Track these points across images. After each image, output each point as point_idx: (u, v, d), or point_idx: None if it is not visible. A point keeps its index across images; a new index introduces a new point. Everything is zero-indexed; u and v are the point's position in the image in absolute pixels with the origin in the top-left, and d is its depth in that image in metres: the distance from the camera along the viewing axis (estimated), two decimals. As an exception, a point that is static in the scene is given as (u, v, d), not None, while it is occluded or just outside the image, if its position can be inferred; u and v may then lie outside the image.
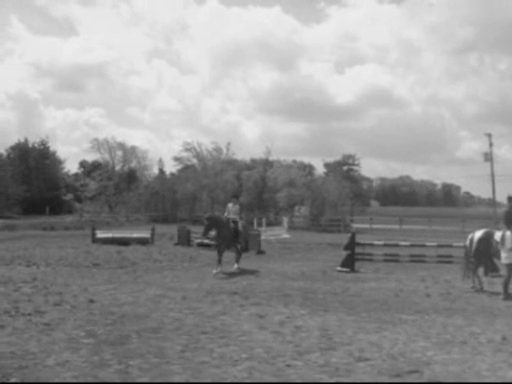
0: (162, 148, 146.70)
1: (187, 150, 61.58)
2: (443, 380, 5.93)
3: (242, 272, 15.11)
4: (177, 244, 24.11)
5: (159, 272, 14.65)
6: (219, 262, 14.63)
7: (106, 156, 74.99)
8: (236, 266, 15.45)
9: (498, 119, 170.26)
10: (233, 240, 15.49)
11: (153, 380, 5.65)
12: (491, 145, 50.75)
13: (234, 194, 17.99)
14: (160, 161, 72.48)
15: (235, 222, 15.69)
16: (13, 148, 70.49)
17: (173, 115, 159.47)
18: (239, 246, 15.95)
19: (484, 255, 13.00)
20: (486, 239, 12.80)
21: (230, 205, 16.23)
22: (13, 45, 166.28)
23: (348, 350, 7.04)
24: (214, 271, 14.26)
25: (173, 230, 27.41)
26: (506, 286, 11.84)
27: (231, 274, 14.45)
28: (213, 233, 15.30)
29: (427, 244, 18.40)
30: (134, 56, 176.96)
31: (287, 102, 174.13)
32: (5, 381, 4.91)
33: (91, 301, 9.99)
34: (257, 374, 5.96)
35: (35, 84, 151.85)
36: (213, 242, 23.55)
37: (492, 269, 13.75)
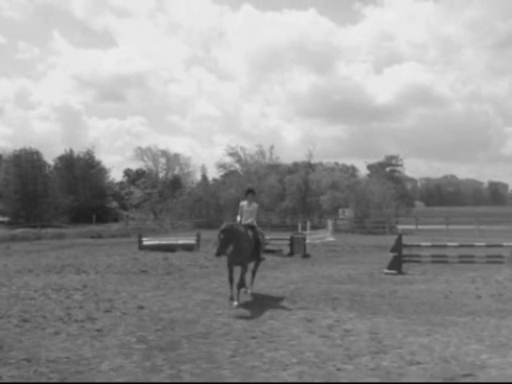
0: (203, 154, 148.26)
1: (230, 154, 62.02)
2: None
3: (288, 276, 15.08)
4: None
5: (206, 277, 14.76)
6: (233, 285, 10.90)
7: (150, 164, 76.31)
8: (249, 290, 11.89)
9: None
10: (253, 254, 11.47)
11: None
12: (540, 141, 49.34)
13: (248, 188, 12.77)
14: (203, 167, 73.28)
15: (253, 228, 11.63)
16: (60, 159, 72.36)
17: (213, 122, 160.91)
18: (259, 262, 12.16)
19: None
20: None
21: (244, 203, 11.95)
22: (56, 59, 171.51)
23: (399, 354, 6.95)
24: (235, 303, 10.33)
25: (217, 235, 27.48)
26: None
27: (276, 278, 14.43)
28: (230, 248, 10.68)
29: (476, 244, 18.02)
30: (173, 64, 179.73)
31: (326, 104, 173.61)
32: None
33: (141, 307, 10.15)
34: (307, 378, 5.96)
35: (78, 95, 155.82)
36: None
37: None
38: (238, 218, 11.73)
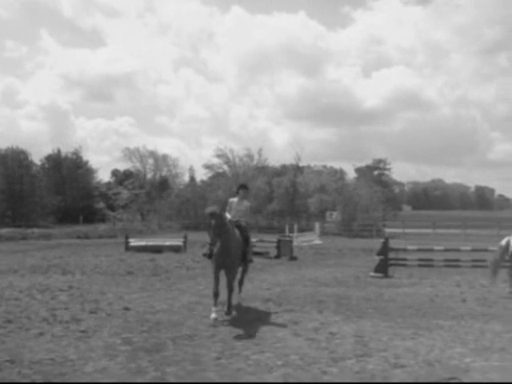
0: (192, 156, 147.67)
1: (219, 156, 61.95)
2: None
3: (274, 278, 15.09)
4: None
5: (193, 279, 14.74)
6: (216, 295, 9.32)
7: (138, 165, 76.03)
8: (238, 294, 10.72)
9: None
10: (242, 257, 10.07)
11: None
12: (526, 146, 49.80)
13: (241, 183, 11.80)
14: (191, 168, 73.21)
15: (240, 227, 10.10)
16: (47, 158, 71.91)
17: (201, 123, 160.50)
18: (248, 265, 10.91)
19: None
20: (523, 243, 12.57)
21: (234, 200, 10.61)
22: (44, 57, 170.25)
23: (384, 357, 6.98)
24: (213, 315, 8.96)
25: (205, 237, 27.47)
26: (544, 290, 11.60)
27: (263, 280, 14.44)
28: (217, 246, 9.36)
29: (462, 248, 18.12)
30: (162, 65, 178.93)
31: (315, 107, 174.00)
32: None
33: (126, 308, 10.11)
34: (292, 381, 5.96)
35: (66, 95, 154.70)
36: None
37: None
38: (228, 215, 10.10)
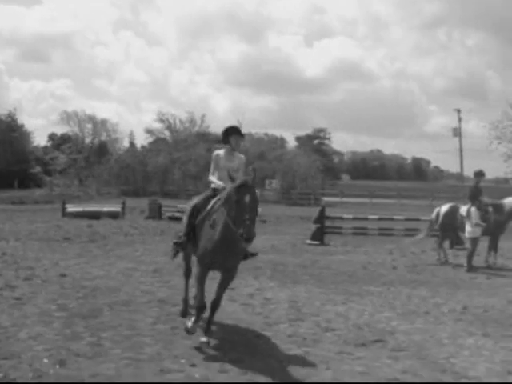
0: (131, 120, 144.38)
1: (161, 121, 61.07)
2: (405, 348, 6.18)
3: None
4: (148, 218, 24.10)
5: (130, 246, 14.70)
6: (202, 309, 6.41)
7: (76, 129, 74.05)
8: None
9: (465, 94, 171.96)
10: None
11: (124, 352, 5.77)
12: (460, 120, 51.49)
13: (230, 127, 6.89)
14: (131, 134, 71.93)
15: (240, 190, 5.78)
16: (-21, 120, 69.03)
17: (141, 87, 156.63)
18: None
19: (449, 229, 13.36)
20: (452, 213, 13.15)
21: (220, 154, 6.89)
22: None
23: (316, 321, 7.25)
24: (203, 339, 6.13)
25: (144, 203, 27.36)
26: (469, 258, 12.20)
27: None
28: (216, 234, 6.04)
29: (395, 218, 18.75)
30: (100, 26, 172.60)
31: (256, 74, 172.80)
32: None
33: (62, 275, 10.02)
34: (227, 345, 6.13)
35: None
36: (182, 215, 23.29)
37: (457, 242, 14.16)
38: (214, 180, 6.76)
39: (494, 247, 12.96)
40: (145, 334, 6.46)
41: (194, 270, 6.49)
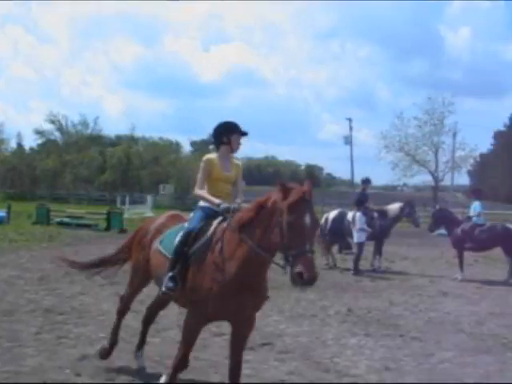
0: (19, 120, 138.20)
1: (52, 122, 58.54)
2: (292, 350, 6.37)
3: (102, 251, 14.82)
4: (35, 223, 23.14)
5: (15, 252, 14.04)
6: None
7: (-43, 128, 69.66)
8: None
9: (357, 104, 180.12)
10: None
11: (4, 365, 5.52)
12: (351, 129, 53.51)
13: (229, 125, 5.34)
14: (18, 134, 68.56)
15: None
16: None
17: (30, 86, 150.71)
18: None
19: (338, 234, 13.89)
20: (340, 219, 13.69)
21: (213, 159, 5.28)
22: None
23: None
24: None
25: (31, 208, 26.25)
26: (356, 262, 12.76)
27: (90, 254, 14.15)
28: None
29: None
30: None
31: (151, 77, 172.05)
32: None
33: None
34: (114, 353, 6.01)
35: None
36: (74, 221, 23.10)
37: (345, 246, 14.77)
38: (206, 195, 5.14)
39: (379, 251, 13.64)
40: (27, 344, 6.21)
41: (184, 319, 4.97)
